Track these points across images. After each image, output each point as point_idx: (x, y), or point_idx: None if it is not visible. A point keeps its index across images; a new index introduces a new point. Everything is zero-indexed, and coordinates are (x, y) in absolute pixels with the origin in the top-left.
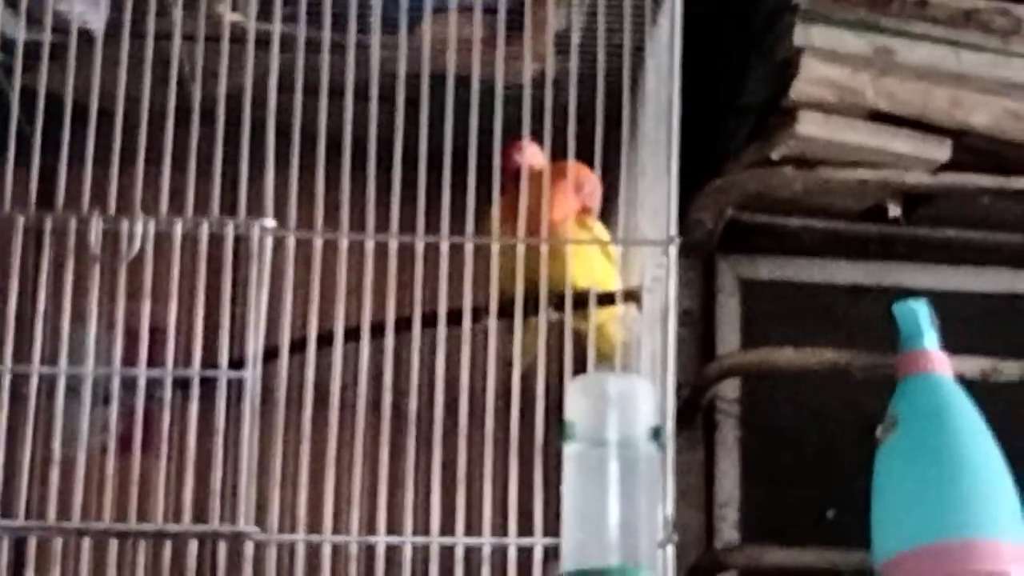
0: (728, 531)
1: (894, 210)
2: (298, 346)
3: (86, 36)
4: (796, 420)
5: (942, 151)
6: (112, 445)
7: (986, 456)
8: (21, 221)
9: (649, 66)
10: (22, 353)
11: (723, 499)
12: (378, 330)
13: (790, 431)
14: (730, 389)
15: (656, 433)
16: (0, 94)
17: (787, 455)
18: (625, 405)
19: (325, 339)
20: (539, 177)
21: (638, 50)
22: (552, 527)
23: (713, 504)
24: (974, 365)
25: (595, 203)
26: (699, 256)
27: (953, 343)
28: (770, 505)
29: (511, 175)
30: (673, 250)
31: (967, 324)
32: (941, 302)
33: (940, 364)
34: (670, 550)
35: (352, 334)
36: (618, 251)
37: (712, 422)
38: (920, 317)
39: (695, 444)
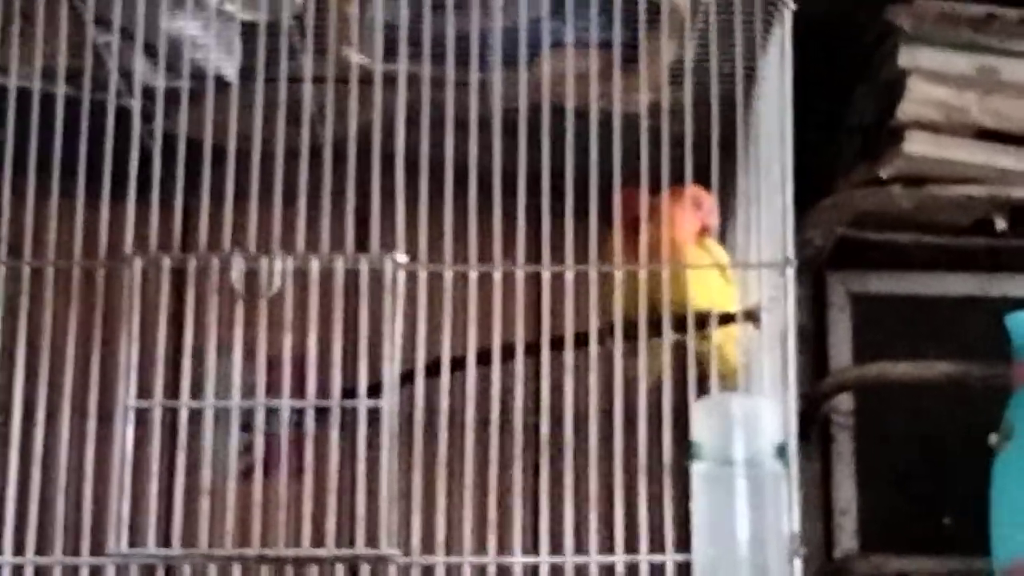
0: (847, 540)
1: (1000, 223)
2: (431, 371)
3: (221, 82)
4: (909, 430)
5: None
6: (257, 473)
7: None
8: (166, 262)
9: (760, 91)
10: (169, 388)
11: (841, 509)
12: (507, 354)
13: (903, 441)
14: (844, 401)
15: (781, 451)
16: (141, 140)
17: (901, 464)
18: (750, 424)
19: (457, 364)
20: (659, 206)
21: (748, 75)
22: (682, 544)
23: (831, 514)
24: None
25: (713, 223)
26: (809, 273)
27: None
28: (886, 514)
29: (631, 221)
30: (791, 271)
31: None
32: None
33: None
34: (798, 564)
35: (482, 359)
36: (735, 272)
37: (827, 434)
38: None
39: (811, 456)
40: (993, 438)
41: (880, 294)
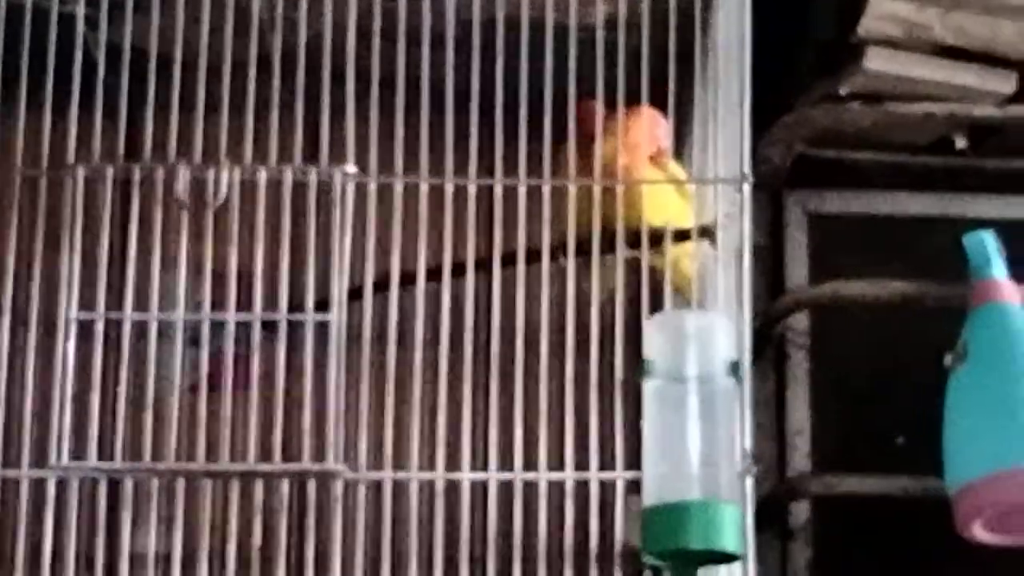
0: (800, 460)
1: (961, 142)
2: (380, 286)
3: None
4: (864, 350)
5: (1008, 84)
6: (202, 387)
7: None
8: (110, 172)
9: (718, 4)
10: (113, 300)
11: (794, 429)
12: (458, 270)
13: (858, 361)
14: (799, 321)
15: (734, 368)
16: (85, 49)
17: (855, 384)
18: (703, 341)
19: (407, 279)
20: (614, 122)
21: None
22: (632, 461)
23: (785, 434)
24: None
25: (668, 144)
26: (767, 191)
27: (1019, 270)
28: (840, 434)
29: (586, 131)
30: (747, 188)
31: None
32: (1007, 231)
33: (1009, 293)
34: (749, 482)
35: (433, 274)
36: (691, 189)
37: (782, 353)
38: (989, 248)
39: (766, 376)
40: (948, 358)
41: (837, 213)
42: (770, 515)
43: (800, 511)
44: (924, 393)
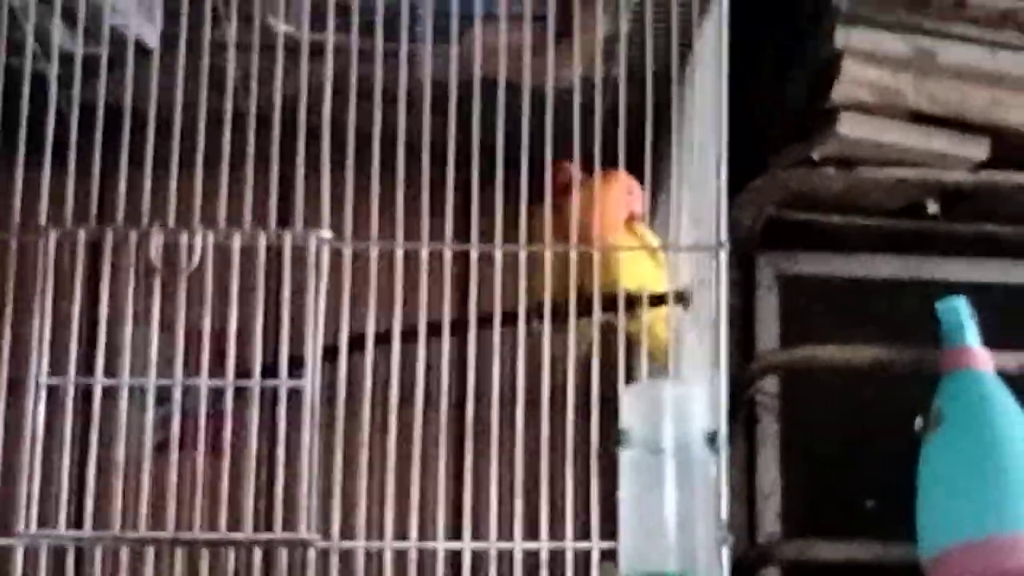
0: (770, 523)
1: (932, 207)
2: (354, 347)
3: (142, 49)
4: (834, 414)
5: (980, 150)
6: (173, 452)
7: None
8: (82, 235)
9: (695, 69)
10: (82, 363)
11: (764, 493)
12: (433, 332)
13: (828, 425)
14: (770, 384)
15: (712, 439)
16: (58, 109)
17: (825, 448)
18: (680, 411)
19: (382, 339)
20: (589, 186)
21: (683, 52)
22: (607, 532)
23: (755, 498)
24: (1013, 360)
25: (641, 210)
26: (738, 254)
27: (991, 335)
28: (810, 498)
29: (560, 189)
30: (723, 255)
31: (1005, 316)
32: (978, 294)
33: (982, 360)
34: (726, 552)
35: (409, 337)
36: (665, 255)
37: (752, 416)
38: (962, 314)
39: (736, 439)
40: (919, 422)
41: (808, 275)
42: None
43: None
44: (894, 458)
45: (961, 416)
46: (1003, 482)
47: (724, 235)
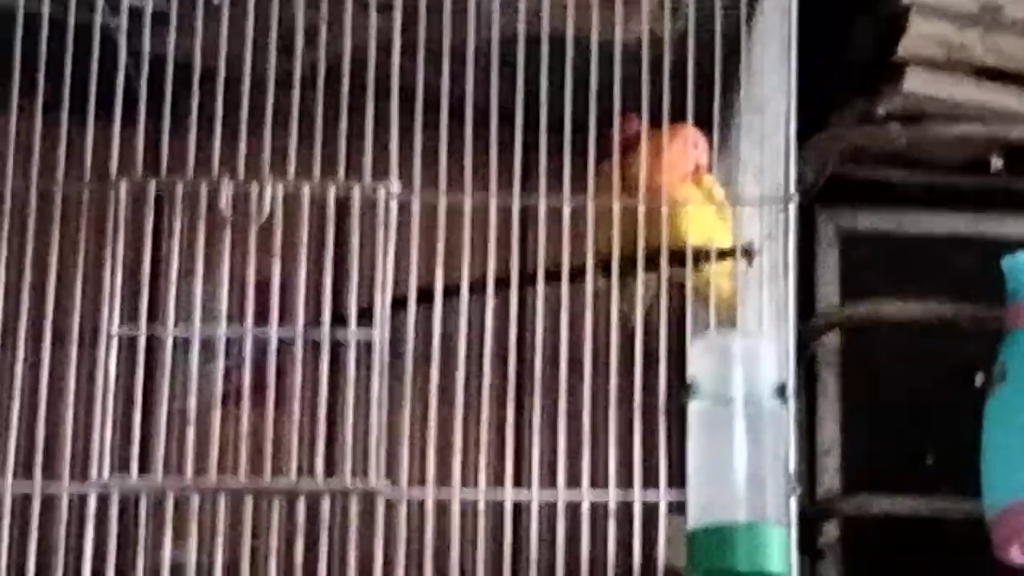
0: (829, 479)
1: (996, 163)
2: (424, 297)
3: (210, 3)
4: (894, 369)
5: None
6: (244, 403)
7: None
8: (153, 186)
9: (761, 24)
10: (155, 315)
11: (824, 448)
12: (503, 285)
13: (888, 380)
14: (829, 340)
15: (781, 390)
16: (127, 64)
17: (885, 404)
18: (748, 362)
19: (451, 292)
20: (655, 140)
21: (751, 6)
22: (675, 482)
23: (815, 453)
24: None
25: (706, 162)
26: (799, 209)
27: None
28: (870, 453)
29: (626, 144)
30: (792, 207)
31: None
32: None
33: None
34: (793, 504)
35: (478, 288)
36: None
37: (813, 372)
38: None
39: (797, 394)
40: (979, 378)
41: (869, 232)
42: (800, 533)
43: (830, 531)
44: (954, 414)
45: None
46: None
47: (793, 188)
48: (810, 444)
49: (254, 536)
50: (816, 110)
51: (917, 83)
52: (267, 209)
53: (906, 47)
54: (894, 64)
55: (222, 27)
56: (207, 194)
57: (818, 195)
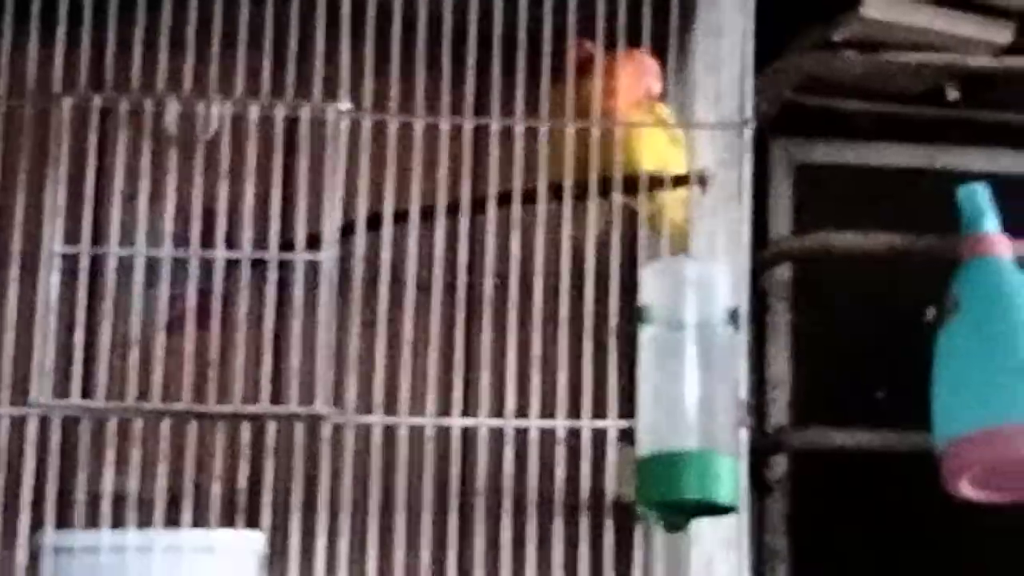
0: (778, 413)
1: (952, 93)
2: (372, 225)
3: None
4: (846, 302)
5: (1005, 34)
6: (189, 326)
7: None
8: (97, 102)
9: None
10: (100, 237)
11: (774, 381)
12: (452, 210)
13: (840, 313)
14: (781, 272)
15: (733, 316)
16: None
17: (837, 337)
18: (701, 289)
19: (400, 218)
20: (609, 65)
21: None
22: (626, 410)
23: (764, 386)
24: None
25: (657, 88)
26: (752, 139)
27: (1010, 226)
28: (820, 387)
29: (580, 68)
30: (748, 133)
31: (1021, 206)
32: (997, 185)
33: (1002, 247)
34: (743, 433)
35: (426, 214)
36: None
37: (764, 304)
38: (982, 201)
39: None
40: (930, 312)
41: (823, 163)
42: (748, 467)
43: (778, 464)
44: (905, 347)
45: (979, 304)
46: (1020, 370)
47: (749, 112)
48: (760, 377)
49: (198, 464)
50: (773, 38)
51: (874, 9)
52: (213, 128)
53: None
54: None
55: None
56: (152, 113)
57: (772, 125)
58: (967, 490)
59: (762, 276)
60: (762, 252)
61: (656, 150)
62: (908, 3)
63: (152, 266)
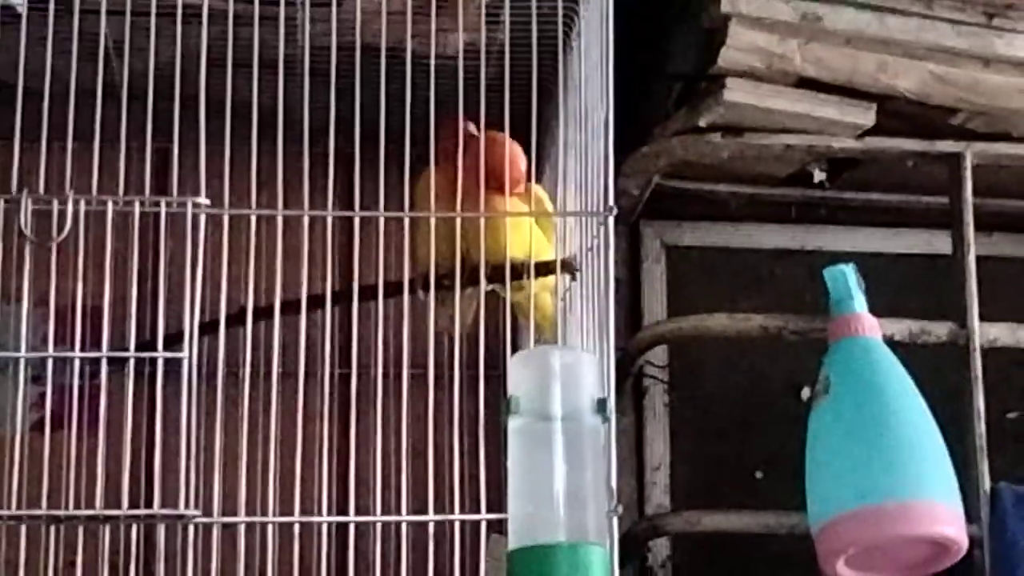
0: (659, 496)
1: (819, 175)
2: (234, 321)
3: (9, 12)
4: (722, 384)
5: (867, 116)
6: (47, 428)
7: (918, 418)
8: None
9: (581, 35)
10: None
11: (653, 464)
12: (316, 303)
13: (717, 395)
14: (657, 355)
15: (601, 405)
16: None
17: (714, 418)
18: (569, 378)
19: (261, 312)
20: (474, 151)
21: (569, 19)
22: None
23: (644, 470)
24: (903, 327)
25: (522, 173)
26: (624, 223)
27: (876, 304)
28: (699, 469)
29: (447, 151)
30: (611, 221)
31: (889, 285)
32: (864, 264)
33: (870, 327)
34: (615, 522)
35: (290, 308)
36: (553, 221)
37: (640, 388)
38: (850, 281)
39: (624, 410)
40: (806, 392)
41: (695, 245)
42: (629, 552)
43: (660, 548)
44: (782, 427)
45: (849, 384)
46: (890, 450)
47: (612, 200)
48: (639, 461)
49: (57, 566)
50: (640, 123)
51: (738, 94)
52: (68, 226)
53: (726, 58)
54: (715, 75)
55: (21, 37)
56: (4, 210)
57: (643, 210)
58: (843, 571)
59: (638, 359)
60: (637, 336)
61: (524, 238)
62: (770, 87)
63: (5, 366)
